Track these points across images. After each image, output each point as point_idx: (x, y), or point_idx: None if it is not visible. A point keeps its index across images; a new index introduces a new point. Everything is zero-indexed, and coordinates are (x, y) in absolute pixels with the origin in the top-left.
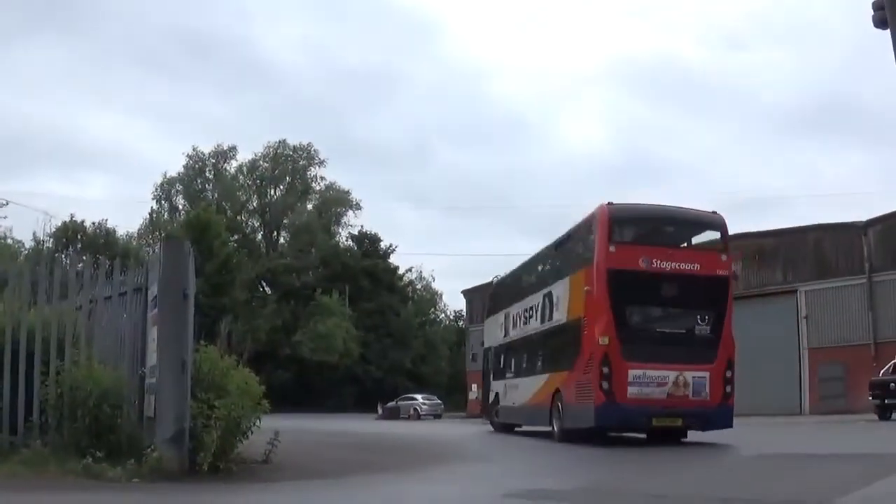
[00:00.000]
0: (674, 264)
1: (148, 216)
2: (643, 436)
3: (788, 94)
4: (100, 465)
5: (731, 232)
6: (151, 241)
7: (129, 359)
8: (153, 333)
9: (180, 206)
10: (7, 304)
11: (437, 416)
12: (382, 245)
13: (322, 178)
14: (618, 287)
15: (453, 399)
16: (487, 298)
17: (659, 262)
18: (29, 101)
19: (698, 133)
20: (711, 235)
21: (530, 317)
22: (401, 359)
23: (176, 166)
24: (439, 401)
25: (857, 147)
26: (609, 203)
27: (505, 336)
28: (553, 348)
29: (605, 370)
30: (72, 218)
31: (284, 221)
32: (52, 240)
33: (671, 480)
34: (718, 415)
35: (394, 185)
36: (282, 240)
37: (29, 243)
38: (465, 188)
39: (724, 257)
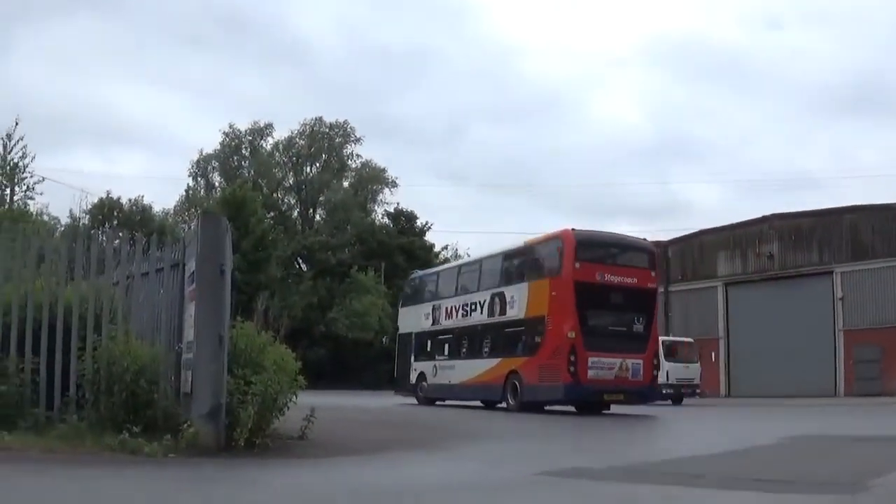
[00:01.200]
0: (619, 278)
1: (184, 193)
2: (572, 408)
3: (825, 74)
4: (136, 440)
5: (768, 212)
6: (187, 218)
7: (166, 334)
8: (190, 309)
9: (216, 184)
10: (44, 280)
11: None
12: (418, 223)
13: (358, 155)
14: (581, 294)
15: None
16: (404, 290)
17: (609, 276)
18: (65, 79)
19: (734, 113)
20: (644, 258)
21: (473, 310)
22: None
23: (212, 143)
24: None
25: (894, 128)
26: (573, 229)
27: (434, 324)
28: (508, 338)
29: (573, 358)
30: (108, 195)
31: (320, 199)
32: (88, 216)
33: (706, 460)
34: (649, 392)
35: (429, 162)
36: (318, 217)
37: (65, 220)
38: (500, 166)
39: (652, 274)
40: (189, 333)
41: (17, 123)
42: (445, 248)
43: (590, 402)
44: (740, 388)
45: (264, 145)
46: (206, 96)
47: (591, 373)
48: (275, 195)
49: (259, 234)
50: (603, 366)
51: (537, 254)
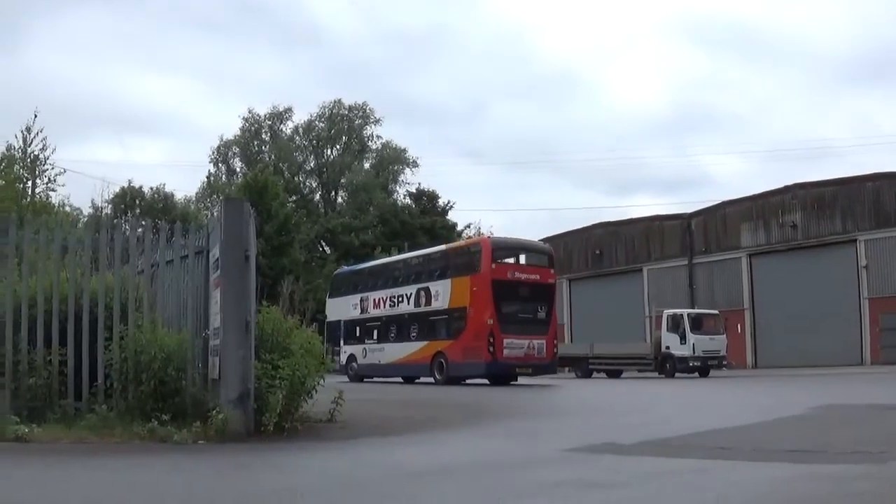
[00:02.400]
0: (526, 276)
1: (205, 179)
2: (486, 381)
3: (845, 42)
4: (165, 427)
5: (790, 182)
6: (209, 205)
7: (193, 321)
8: (216, 296)
9: (237, 169)
10: (69, 271)
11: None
12: (440, 202)
13: (378, 136)
14: (496, 289)
15: None
16: (332, 284)
17: (518, 274)
18: (82, 69)
19: (753, 84)
20: (545, 259)
21: (400, 301)
22: None
23: (232, 129)
24: None
25: None
26: (490, 236)
27: (362, 313)
28: (433, 324)
29: (491, 340)
30: (129, 184)
31: (342, 181)
32: (110, 206)
33: (735, 432)
34: (551, 365)
35: (449, 142)
36: (340, 199)
37: (87, 210)
38: (521, 144)
39: (552, 272)
40: (215, 320)
41: (35, 116)
42: (468, 226)
43: (505, 375)
44: (767, 358)
45: (284, 129)
46: (225, 82)
47: (506, 352)
48: (296, 179)
49: (282, 218)
50: (515, 346)
51: (459, 256)
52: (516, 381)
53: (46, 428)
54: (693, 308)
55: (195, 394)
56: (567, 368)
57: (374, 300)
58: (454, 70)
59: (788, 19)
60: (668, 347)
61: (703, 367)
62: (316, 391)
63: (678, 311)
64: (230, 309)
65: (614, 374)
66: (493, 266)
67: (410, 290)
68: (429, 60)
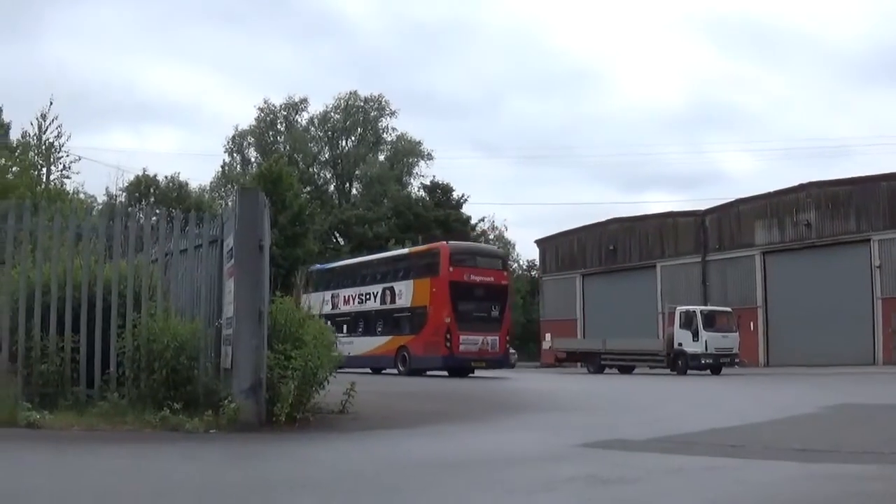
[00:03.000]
0: (481, 278)
1: (220, 169)
2: (445, 373)
3: (860, 41)
4: (177, 416)
5: (805, 180)
6: (224, 194)
7: (206, 311)
8: (229, 285)
9: (252, 159)
10: (82, 258)
11: (511, 366)
12: (455, 195)
13: (393, 128)
14: (454, 290)
15: (527, 348)
16: (304, 279)
17: (473, 276)
18: (98, 57)
19: (769, 81)
20: (499, 263)
21: (367, 299)
22: None
23: (247, 119)
24: (513, 350)
25: None
26: (448, 243)
27: (333, 308)
28: (397, 321)
29: (448, 336)
30: (144, 172)
31: (356, 172)
32: (124, 194)
33: (747, 430)
34: (504, 360)
35: (465, 135)
36: (354, 191)
37: (101, 198)
38: (536, 138)
39: (505, 274)
40: (228, 309)
41: (51, 103)
42: (482, 220)
43: (461, 368)
44: (779, 356)
45: (299, 120)
46: (241, 72)
47: (462, 347)
48: (311, 170)
49: (296, 208)
50: (470, 342)
51: (420, 260)
52: (473, 373)
53: (58, 415)
54: (706, 305)
55: (207, 383)
56: (579, 363)
57: (345, 297)
58: (470, 63)
59: (805, 17)
60: (680, 344)
61: (716, 364)
62: (328, 382)
63: (691, 307)
64: (243, 298)
65: (626, 370)
66: (451, 269)
67: (377, 288)
68: (445, 53)
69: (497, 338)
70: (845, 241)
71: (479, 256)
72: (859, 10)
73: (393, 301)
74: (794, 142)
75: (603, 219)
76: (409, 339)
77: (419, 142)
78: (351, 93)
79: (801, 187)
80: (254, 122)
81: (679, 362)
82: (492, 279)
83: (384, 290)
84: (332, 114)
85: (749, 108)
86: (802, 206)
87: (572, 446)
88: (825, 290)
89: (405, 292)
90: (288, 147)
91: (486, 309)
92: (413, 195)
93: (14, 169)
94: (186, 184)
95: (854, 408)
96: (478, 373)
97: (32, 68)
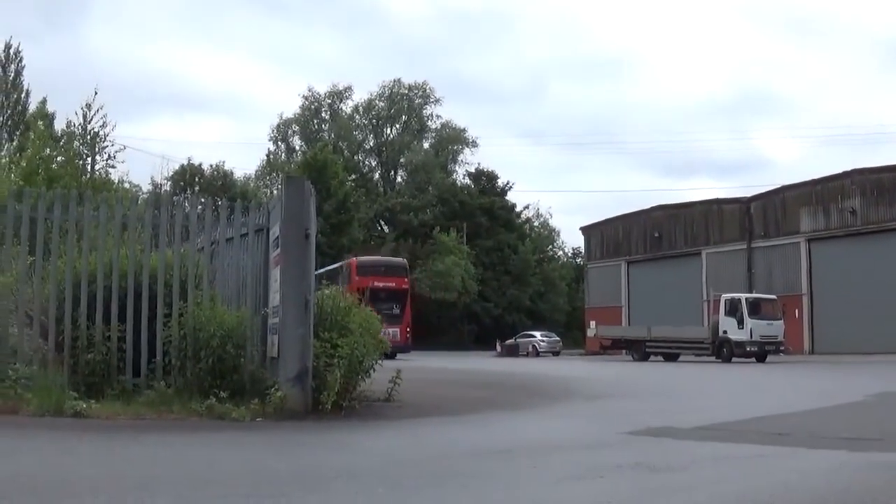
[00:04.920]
0: (384, 283)
1: (265, 158)
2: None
3: None
4: (223, 405)
5: (850, 167)
6: (269, 183)
7: (252, 299)
8: (275, 274)
9: (297, 147)
10: (128, 247)
11: (556, 354)
12: (499, 182)
13: (438, 116)
14: (362, 294)
15: (572, 336)
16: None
17: (378, 282)
18: (142, 47)
19: (814, 67)
20: (401, 270)
21: None
22: (519, 296)
23: (292, 107)
24: (557, 338)
25: None
26: (357, 257)
27: None
28: None
29: None
30: (189, 161)
31: (401, 160)
32: (169, 183)
33: (792, 418)
34: (405, 347)
35: (509, 122)
36: (399, 178)
37: (146, 187)
38: (580, 124)
39: (405, 279)
40: (275, 298)
41: (96, 93)
42: (527, 207)
43: None
44: (824, 344)
45: (344, 108)
46: (285, 60)
47: None
48: (355, 158)
49: (341, 196)
50: None
51: (342, 270)
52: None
53: (104, 404)
54: (751, 293)
55: (253, 371)
56: (624, 351)
57: None
58: (514, 50)
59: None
60: (725, 332)
61: (761, 352)
62: (374, 370)
63: (736, 295)
64: (289, 287)
65: (671, 358)
66: (358, 278)
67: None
68: (488, 40)
69: (398, 329)
70: (890, 229)
71: (383, 267)
72: None
73: None
74: (837, 128)
75: (648, 206)
76: None
77: (464, 129)
78: (395, 80)
79: (846, 174)
80: (298, 111)
81: (724, 350)
82: (393, 284)
83: None
84: (377, 101)
85: (791, 94)
86: (847, 193)
87: (619, 434)
88: (870, 277)
89: None
90: (332, 135)
91: (389, 307)
92: (458, 183)
93: (59, 158)
94: (231, 172)
95: None
96: (520, 360)
97: (77, 59)
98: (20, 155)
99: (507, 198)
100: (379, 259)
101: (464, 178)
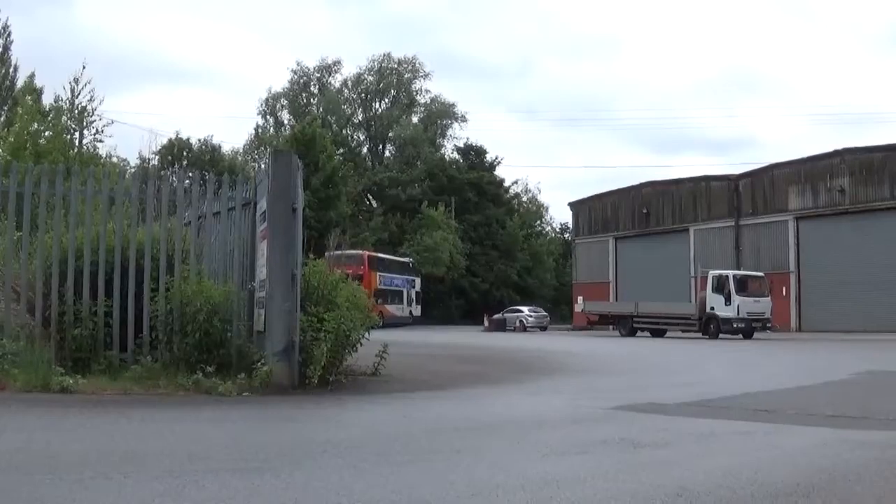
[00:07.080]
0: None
1: (253, 132)
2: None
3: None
4: (210, 379)
5: (838, 147)
6: (257, 157)
7: (239, 274)
8: (262, 248)
9: (285, 121)
10: (115, 222)
11: (543, 329)
12: (488, 157)
13: (427, 90)
14: None
15: (559, 311)
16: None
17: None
18: (130, 20)
19: (803, 46)
20: (360, 261)
21: None
22: (506, 271)
23: (281, 81)
24: (545, 313)
25: None
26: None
27: None
28: None
29: None
30: (177, 135)
31: (390, 135)
32: (157, 157)
33: (778, 395)
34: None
35: (499, 98)
36: (387, 153)
37: (134, 161)
38: (570, 101)
39: (362, 267)
40: (261, 272)
41: (84, 67)
42: (515, 182)
43: None
44: (811, 322)
45: (333, 82)
46: (274, 34)
47: None
48: (344, 132)
49: (329, 171)
50: None
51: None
52: None
53: (91, 379)
54: (739, 270)
55: (240, 346)
56: (611, 326)
57: None
58: (504, 26)
59: None
60: (712, 308)
61: (747, 328)
62: (361, 345)
63: (724, 272)
64: (276, 261)
65: (658, 334)
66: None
67: None
68: (479, 15)
69: None
70: (879, 208)
71: (344, 258)
72: None
73: None
74: (828, 107)
75: (636, 182)
76: None
77: (453, 104)
78: (384, 55)
79: (836, 153)
80: (287, 85)
81: (711, 326)
82: (352, 271)
83: None
84: (366, 76)
85: (782, 73)
86: (836, 171)
87: (605, 409)
88: (858, 256)
89: None
90: (321, 109)
91: None
92: (447, 157)
93: (47, 133)
94: (219, 147)
95: (885, 375)
96: (508, 335)
97: (67, 31)
98: (8, 130)
99: (495, 173)
100: (342, 253)
101: (452, 153)
